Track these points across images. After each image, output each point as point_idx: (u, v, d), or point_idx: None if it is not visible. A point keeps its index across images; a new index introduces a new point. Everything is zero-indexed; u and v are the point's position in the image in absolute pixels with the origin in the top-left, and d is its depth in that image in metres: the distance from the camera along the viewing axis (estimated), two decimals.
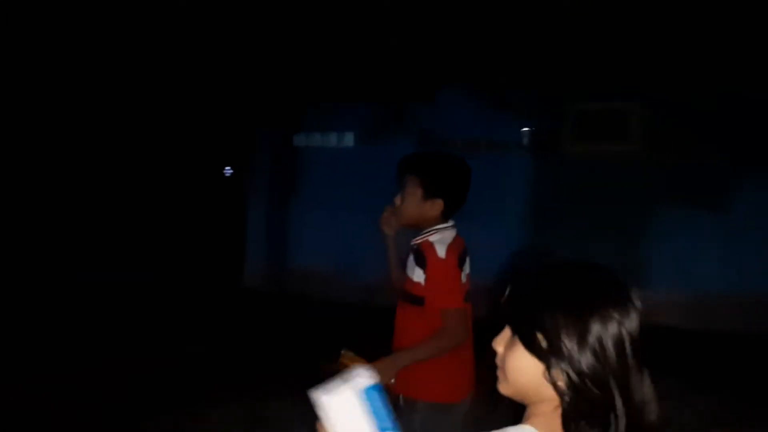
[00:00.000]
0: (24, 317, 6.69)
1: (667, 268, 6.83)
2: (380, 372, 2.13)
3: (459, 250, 2.35)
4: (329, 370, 1.59)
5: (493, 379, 1.14)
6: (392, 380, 2.30)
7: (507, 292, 1.10)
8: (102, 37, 7.42)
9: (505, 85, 7.31)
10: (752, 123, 6.55)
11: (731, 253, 6.66)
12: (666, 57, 6.41)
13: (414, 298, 2.36)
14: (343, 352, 2.33)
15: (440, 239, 2.32)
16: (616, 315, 0.99)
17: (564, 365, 0.99)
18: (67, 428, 4.25)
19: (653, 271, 6.89)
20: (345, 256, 8.16)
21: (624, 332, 0.99)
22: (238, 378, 5.44)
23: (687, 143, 6.80)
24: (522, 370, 1.05)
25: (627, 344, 0.99)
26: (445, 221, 2.38)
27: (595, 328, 0.98)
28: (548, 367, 1.01)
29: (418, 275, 2.33)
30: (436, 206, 2.33)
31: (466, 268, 2.42)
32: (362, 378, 1.20)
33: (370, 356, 2.33)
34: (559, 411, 1.00)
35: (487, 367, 1.28)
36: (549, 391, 1.01)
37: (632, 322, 1.01)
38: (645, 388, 1.00)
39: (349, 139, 8.31)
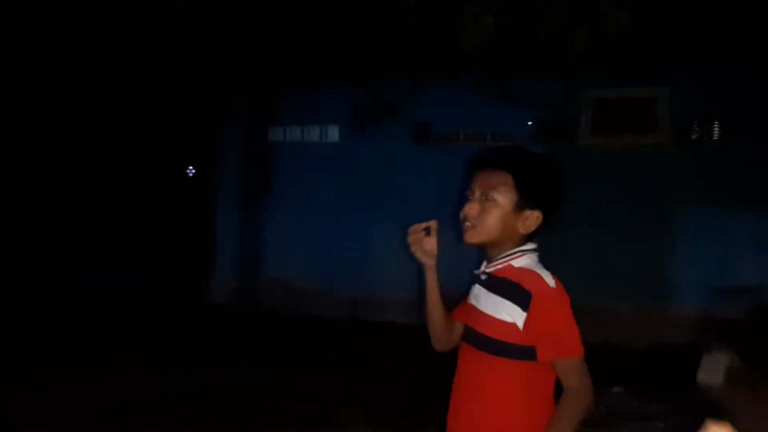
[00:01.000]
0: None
1: (698, 277, 6.00)
2: None
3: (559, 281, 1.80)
4: None
5: None
6: None
7: None
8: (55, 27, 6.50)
9: (511, 70, 6.46)
10: None
11: None
12: (699, 32, 5.59)
13: (500, 346, 1.75)
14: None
15: (535, 265, 1.79)
16: None
17: None
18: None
19: (682, 280, 6.07)
20: (327, 265, 7.22)
21: None
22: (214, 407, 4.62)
23: (722, 135, 6.01)
24: None
25: None
26: (529, 242, 1.82)
27: None
28: None
29: (510, 314, 1.72)
30: (532, 220, 1.79)
31: None
32: None
33: None
34: None
35: None
36: None
37: None
38: None
39: (332, 133, 7.40)
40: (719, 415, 1.05)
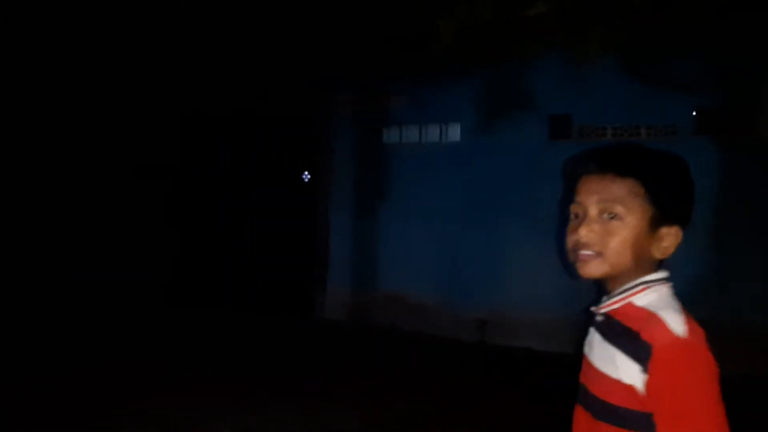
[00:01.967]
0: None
1: None
2: None
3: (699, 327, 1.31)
4: None
5: None
6: None
7: None
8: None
9: (669, 50, 5.43)
10: None
11: None
12: None
13: (622, 414, 1.32)
14: None
15: (662, 303, 1.33)
16: None
17: None
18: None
19: None
20: (449, 279, 6.46)
21: None
22: None
23: None
24: None
25: None
26: (660, 269, 1.40)
27: None
28: None
29: (628, 373, 1.30)
30: (670, 239, 1.39)
31: None
32: None
33: None
34: None
35: None
36: None
37: None
38: None
39: (453, 132, 6.63)
40: None
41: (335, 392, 5.02)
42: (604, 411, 1.37)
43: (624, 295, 1.36)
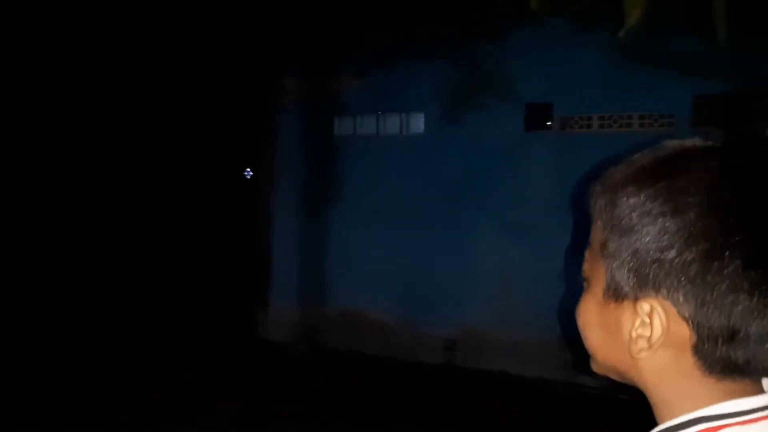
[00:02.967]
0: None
1: None
2: None
3: None
4: None
5: None
6: None
7: None
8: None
9: (666, 26, 4.78)
10: None
11: None
12: None
13: None
14: None
15: None
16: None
17: None
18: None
19: None
20: (415, 294, 5.67)
21: None
22: None
23: None
24: None
25: None
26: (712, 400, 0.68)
27: None
28: None
29: None
30: (645, 326, 0.70)
31: None
32: None
33: None
34: None
35: None
36: None
37: None
38: None
39: (416, 122, 5.83)
40: None
41: (277, 425, 4.36)
42: None
43: None
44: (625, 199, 0.70)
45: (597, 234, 0.74)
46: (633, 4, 3.27)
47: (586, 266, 0.78)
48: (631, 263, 0.69)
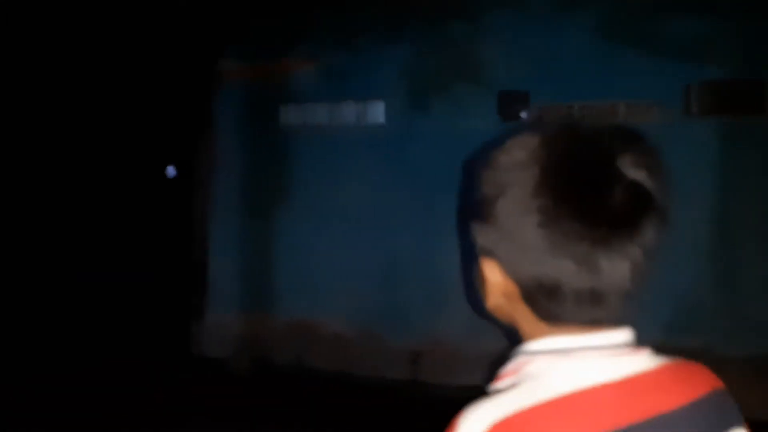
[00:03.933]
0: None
1: None
2: None
3: None
4: None
5: None
6: None
7: None
8: None
9: (655, 6, 4.47)
10: None
11: None
12: None
13: None
14: None
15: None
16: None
17: None
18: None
19: None
20: (372, 302, 5.11)
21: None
22: None
23: None
24: None
25: None
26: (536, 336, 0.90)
27: None
28: None
29: None
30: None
31: None
32: None
33: None
34: None
35: None
36: None
37: None
38: None
39: (375, 111, 5.29)
40: None
41: None
42: None
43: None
44: (480, 178, 0.85)
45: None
46: None
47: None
48: (477, 231, 0.86)
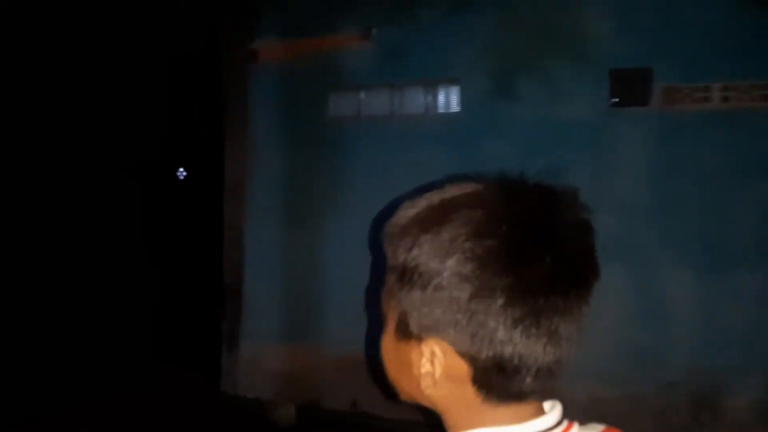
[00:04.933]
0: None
1: None
2: None
3: None
4: None
5: None
6: None
7: None
8: None
9: None
10: None
11: None
12: None
13: None
14: None
15: None
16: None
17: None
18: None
19: None
20: None
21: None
22: None
23: None
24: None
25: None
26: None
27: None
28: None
29: None
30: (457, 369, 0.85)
31: None
32: None
33: None
34: None
35: None
36: None
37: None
38: None
39: (450, 98, 4.30)
40: None
41: None
42: None
43: None
44: (404, 246, 0.77)
45: (389, 275, 0.82)
46: None
47: (384, 304, 0.86)
48: (412, 306, 0.77)
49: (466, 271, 0.73)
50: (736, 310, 3.60)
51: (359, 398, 4.34)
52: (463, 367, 0.77)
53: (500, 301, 0.73)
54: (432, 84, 4.29)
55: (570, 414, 0.83)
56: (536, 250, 0.73)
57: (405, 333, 0.80)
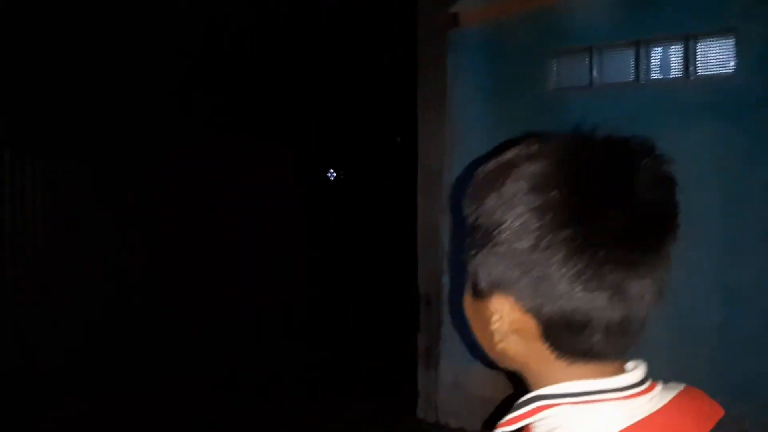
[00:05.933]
0: None
1: None
2: None
3: None
4: None
5: None
6: None
7: None
8: None
9: None
10: None
11: None
12: None
13: None
14: None
15: None
16: None
17: None
18: None
19: None
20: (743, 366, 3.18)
21: None
22: None
23: None
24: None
25: None
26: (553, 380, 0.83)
27: None
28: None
29: None
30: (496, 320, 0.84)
31: None
32: None
33: None
34: None
35: None
36: None
37: None
38: None
39: (716, 55, 3.30)
40: None
41: None
42: None
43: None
44: (472, 207, 0.78)
45: (465, 238, 0.82)
46: None
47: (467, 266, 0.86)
48: (479, 263, 0.77)
49: (526, 223, 0.72)
50: None
51: None
52: (530, 323, 0.76)
53: (560, 254, 0.71)
54: (694, 38, 3.31)
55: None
56: (599, 202, 0.71)
57: (477, 291, 0.80)
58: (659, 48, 3.40)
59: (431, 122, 4.08)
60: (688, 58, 3.32)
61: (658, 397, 0.78)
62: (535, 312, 0.74)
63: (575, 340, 0.74)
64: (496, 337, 0.77)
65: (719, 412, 0.81)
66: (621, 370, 0.78)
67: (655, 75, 3.42)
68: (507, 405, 0.78)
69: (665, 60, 3.39)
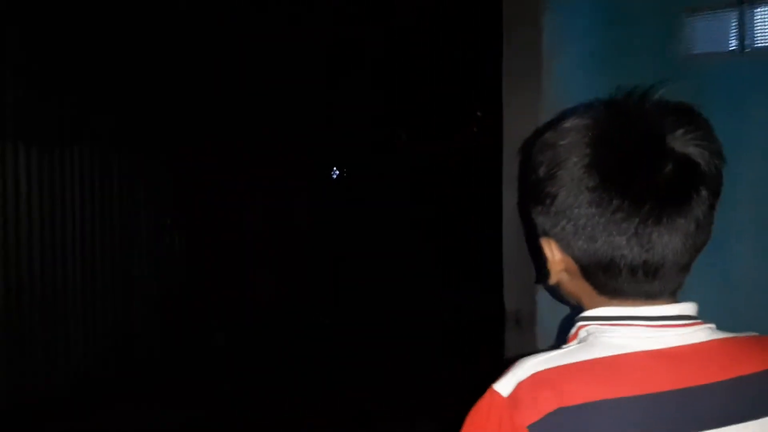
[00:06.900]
0: None
1: None
2: None
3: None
4: None
5: None
6: None
7: None
8: None
9: None
10: None
11: None
12: None
13: None
14: None
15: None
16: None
17: None
18: None
19: None
20: None
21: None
22: None
23: None
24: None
25: None
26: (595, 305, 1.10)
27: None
28: None
29: None
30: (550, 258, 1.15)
31: None
32: None
33: None
34: None
35: None
36: None
37: None
38: None
39: None
40: None
41: None
42: None
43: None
44: (534, 161, 0.98)
45: None
46: None
47: None
48: (536, 210, 1.00)
49: (568, 181, 0.91)
50: None
51: None
52: (571, 264, 0.97)
53: (585, 204, 0.89)
54: None
55: None
56: (623, 162, 0.86)
57: (540, 235, 1.01)
58: None
59: (520, 102, 3.31)
60: None
61: (700, 334, 0.91)
62: (571, 254, 0.96)
63: (606, 279, 0.95)
64: (552, 275, 1.01)
65: None
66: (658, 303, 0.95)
67: None
68: None
69: None
